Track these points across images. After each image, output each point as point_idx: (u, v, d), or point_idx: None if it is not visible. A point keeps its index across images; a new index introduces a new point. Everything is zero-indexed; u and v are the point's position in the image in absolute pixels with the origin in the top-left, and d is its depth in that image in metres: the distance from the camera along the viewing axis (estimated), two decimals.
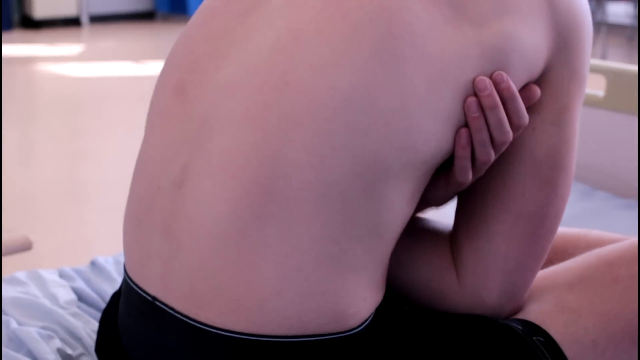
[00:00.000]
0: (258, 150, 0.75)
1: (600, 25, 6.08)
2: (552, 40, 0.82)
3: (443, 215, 0.96)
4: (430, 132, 0.77)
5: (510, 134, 0.81)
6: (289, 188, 0.74)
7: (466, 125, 0.80)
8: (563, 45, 0.83)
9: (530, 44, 0.80)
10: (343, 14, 0.77)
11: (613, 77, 1.89)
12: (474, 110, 0.79)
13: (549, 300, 0.89)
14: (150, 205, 0.82)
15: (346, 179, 0.75)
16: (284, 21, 0.79)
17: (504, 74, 0.79)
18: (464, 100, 0.78)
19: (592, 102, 1.92)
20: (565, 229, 1.11)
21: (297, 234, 0.75)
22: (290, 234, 0.75)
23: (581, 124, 2.05)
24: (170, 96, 0.84)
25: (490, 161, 0.82)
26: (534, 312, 0.88)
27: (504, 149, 0.82)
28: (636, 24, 6.43)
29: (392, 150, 0.75)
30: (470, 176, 0.82)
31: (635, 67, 1.89)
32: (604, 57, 5.67)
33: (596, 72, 1.94)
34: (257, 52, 0.79)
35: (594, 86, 2.07)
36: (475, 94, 0.79)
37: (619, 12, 6.83)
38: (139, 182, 0.85)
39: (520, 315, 0.89)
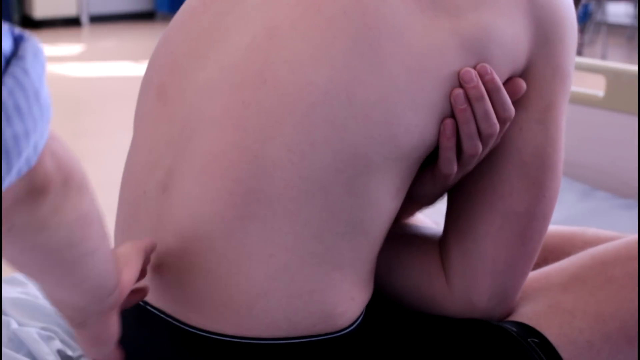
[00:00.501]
0: (239, 150, 0.75)
1: (600, 25, 6.08)
2: (532, 33, 0.82)
3: (438, 213, 0.96)
4: (411, 124, 0.76)
5: (497, 126, 0.81)
6: (271, 186, 0.74)
7: (450, 116, 0.80)
8: (544, 39, 0.83)
9: (510, 36, 0.80)
10: (317, 8, 0.76)
11: (613, 77, 1.89)
12: (462, 102, 0.78)
13: (543, 301, 0.89)
14: (137, 210, 0.82)
15: (327, 175, 0.74)
16: (260, 19, 0.79)
17: (488, 66, 0.79)
18: (451, 92, 0.78)
19: (592, 102, 1.92)
20: (561, 227, 1.11)
21: (281, 233, 0.75)
22: (274, 233, 0.74)
23: (581, 124, 2.07)
24: (153, 99, 0.84)
25: (477, 154, 0.82)
26: (528, 314, 0.88)
27: (491, 142, 0.82)
28: (636, 24, 6.44)
29: (372, 143, 0.75)
30: (455, 168, 0.82)
31: (635, 67, 1.89)
32: (604, 57, 5.66)
33: (596, 72, 1.94)
34: (235, 51, 0.79)
35: (594, 86, 2.07)
36: (461, 86, 0.79)
37: (619, 12, 6.83)
38: (126, 186, 0.86)
39: (515, 317, 0.89)
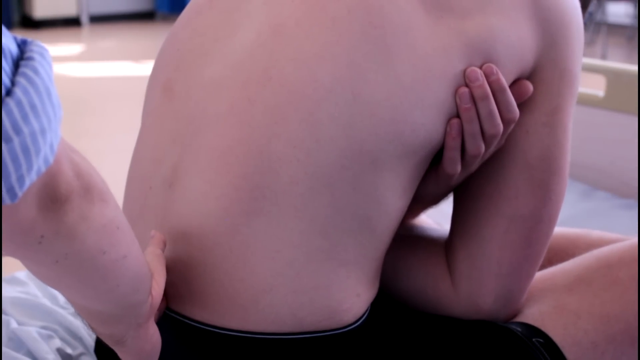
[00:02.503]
0: (245, 146, 0.75)
1: (600, 25, 6.08)
2: (539, 36, 0.82)
3: (440, 214, 0.96)
4: (417, 122, 0.77)
5: (500, 127, 0.81)
6: (277, 182, 0.74)
7: (457, 116, 0.80)
8: (551, 42, 0.83)
9: (516, 37, 0.80)
10: (322, 7, 0.77)
11: (613, 77, 1.89)
12: (466, 101, 0.79)
13: (548, 302, 0.89)
14: (143, 205, 0.82)
15: (333, 172, 0.75)
16: (265, 16, 0.79)
17: (494, 67, 0.79)
18: (456, 91, 0.78)
19: (592, 102, 1.93)
20: (566, 229, 1.11)
21: (287, 229, 0.75)
22: (279, 229, 0.75)
23: (581, 124, 2.07)
24: (160, 95, 0.84)
25: (479, 154, 0.82)
26: (533, 314, 0.88)
27: (494, 143, 0.82)
28: (636, 24, 6.44)
29: (378, 141, 0.75)
30: (458, 168, 0.82)
31: (635, 67, 1.90)
32: (604, 57, 5.66)
33: (596, 72, 1.94)
34: (240, 48, 0.79)
35: (594, 86, 2.07)
36: (467, 85, 0.79)
37: (619, 12, 6.83)
38: (132, 182, 0.86)
39: (520, 318, 0.89)
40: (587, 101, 1.93)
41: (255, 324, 0.76)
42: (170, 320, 0.79)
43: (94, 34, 7.21)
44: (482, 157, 0.83)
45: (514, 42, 0.80)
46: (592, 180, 1.94)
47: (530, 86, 0.83)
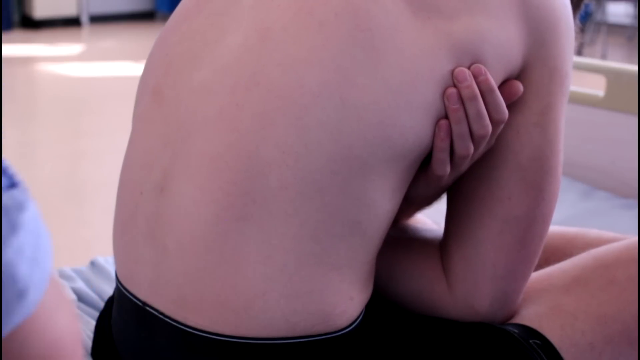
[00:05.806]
0: (234, 152, 0.75)
1: (600, 25, 6.08)
2: (527, 35, 0.81)
3: (438, 213, 0.96)
4: (406, 126, 0.76)
5: (489, 127, 0.80)
6: (267, 188, 0.74)
7: (446, 117, 0.79)
8: (540, 40, 0.82)
9: (504, 37, 0.80)
10: (309, 11, 0.76)
11: (613, 77, 1.89)
12: (454, 101, 0.78)
13: (545, 303, 0.88)
14: (135, 211, 0.82)
15: (322, 177, 0.75)
16: (252, 21, 0.79)
17: (482, 67, 0.79)
18: (444, 92, 0.78)
19: (592, 102, 1.92)
20: (563, 228, 1.10)
21: (278, 234, 0.75)
22: (271, 234, 0.75)
23: (581, 124, 2.07)
24: (149, 100, 0.84)
25: (468, 155, 0.81)
26: (530, 315, 0.88)
27: (483, 144, 0.82)
28: (636, 24, 6.44)
29: (366, 145, 0.75)
30: (447, 169, 0.82)
31: (635, 67, 1.89)
32: (604, 57, 5.66)
33: (596, 72, 1.94)
34: (228, 53, 0.79)
35: (594, 86, 2.07)
36: (455, 86, 0.78)
37: (619, 12, 6.83)
38: (124, 187, 0.86)
39: (516, 319, 0.88)
40: (587, 101, 1.93)
41: (248, 329, 0.76)
42: (164, 325, 0.79)
43: (94, 34, 7.20)
44: (471, 158, 0.82)
45: (502, 42, 0.80)
46: (592, 180, 1.94)
47: (519, 86, 0.82)
